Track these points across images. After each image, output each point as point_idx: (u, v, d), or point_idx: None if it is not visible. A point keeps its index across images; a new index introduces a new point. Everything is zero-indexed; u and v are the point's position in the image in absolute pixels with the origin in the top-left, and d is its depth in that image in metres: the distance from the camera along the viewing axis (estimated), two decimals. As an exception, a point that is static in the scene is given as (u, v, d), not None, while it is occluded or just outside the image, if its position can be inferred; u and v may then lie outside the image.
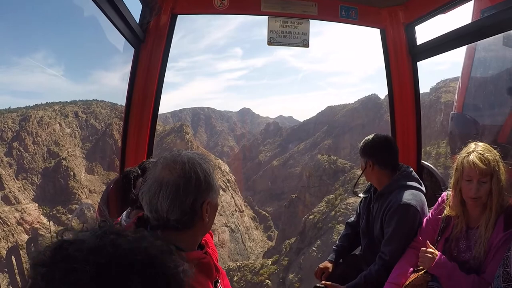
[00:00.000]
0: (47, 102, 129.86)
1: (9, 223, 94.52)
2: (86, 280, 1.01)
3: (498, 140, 5.82)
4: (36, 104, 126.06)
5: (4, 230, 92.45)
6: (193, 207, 1.96)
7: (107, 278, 1.02)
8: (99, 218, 2.50)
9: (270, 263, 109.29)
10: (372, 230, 3.92)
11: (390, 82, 5.15)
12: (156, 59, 4.62)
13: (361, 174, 4.06)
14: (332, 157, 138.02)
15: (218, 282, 2.16)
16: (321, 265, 4.33)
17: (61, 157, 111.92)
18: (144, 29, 4.49)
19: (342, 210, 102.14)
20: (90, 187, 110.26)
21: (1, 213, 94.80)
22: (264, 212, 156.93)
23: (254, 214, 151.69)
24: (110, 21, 3.54)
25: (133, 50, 4.53)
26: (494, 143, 5.59)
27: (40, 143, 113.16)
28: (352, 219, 4.57)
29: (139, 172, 3.48)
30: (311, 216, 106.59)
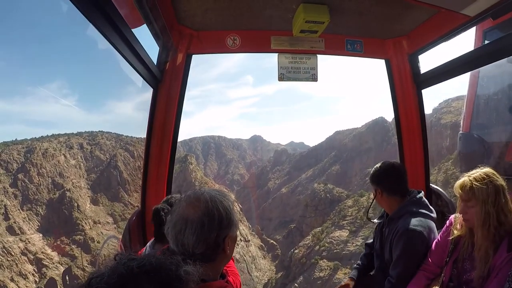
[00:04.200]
0: (52, 134, 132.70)
1: (13, 253, 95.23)
2: None
3: (506, 159, 5.96)
4: (41, 136, 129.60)
5: (8, 260, 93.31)
6: (216, 241, 2.10)
7: None
8: (119, 251, 2.85)
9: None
10: (384, 252, 4.03)
11: (396, 109, 5.35)
12: (174, 97, 4.87)
13: (372, 201, 4.23)
14: (328, 185, 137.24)
15: None
16: (343, 283, 4.45)
17: (66, 188, 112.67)
18: (161, 69, 4.72)
19: (326, 245, 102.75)
20: (95, 218, 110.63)
21: (6, 243, 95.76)
22: (272, 241, 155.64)
23: (261, 243, 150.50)
24: (129, 63, 3.73)
25: (149, 88, 4.77)
26: (502, 161, 5.72)
27: (45, 174, 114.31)
28: (371, 240, 4.71)
29: (169, 208, 3.61)
30: (297, 250, 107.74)
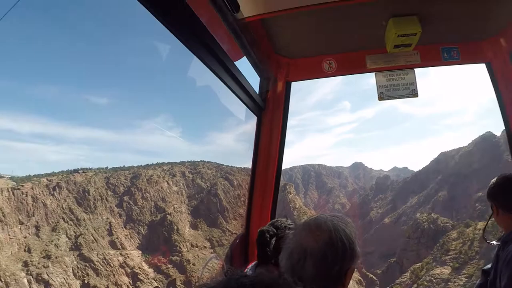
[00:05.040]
0: (157, 162, 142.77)
1: (112, 265, 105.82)
2: None
3: None
4: (147, 164, 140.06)
5: (107, 270, 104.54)
6: (338, 275, 1.93)
7: None
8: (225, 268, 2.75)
9: None
10: (495, 282, 3.48)
11: (505, 117, 4.87)
12: (277, 124, 4.95)
13: (489, 219, 3.83)
14: (432, 215, 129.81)
15: None
16: None
17: (167, 212, 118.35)
18: (263, 98, 4.86)
19: (425, 283, 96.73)
20: (193, 241, 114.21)
21: (107, 255, 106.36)
22: (371, 275, 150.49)
23: (360, 277, 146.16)
24: (234, 94, 3.88)
25: (253, 117, 4.90)
26: None
27: (148, 198, 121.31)
28: (489, 265, 3.94)
29: (275, 231, 3.58)
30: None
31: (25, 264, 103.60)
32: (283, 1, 3.74)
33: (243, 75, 3.81)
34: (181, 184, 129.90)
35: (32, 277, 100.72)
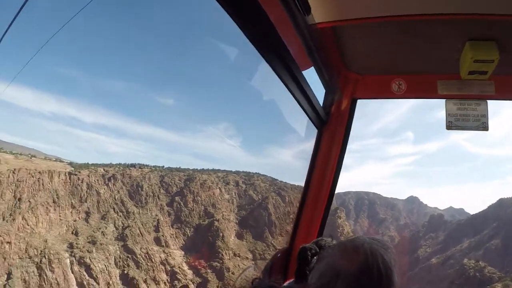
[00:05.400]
0: (213, 168, 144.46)
1: (153, 260, 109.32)
2: None
3: None
4: (202, 168, 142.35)
5: (147, 264, 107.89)
6: None
7: None
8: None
9: None
10: None
11: None
12: (338, 141, 4.76)
13: None
14: (480, 263, 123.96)
15: None
16: None
17: (215, 218, 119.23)
18: (327, 111, 4.69)
19: None
20: (236, 250, 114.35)
21: (150, 250, 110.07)
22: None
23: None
24: (298, 103, 3.83)
25: (313, 131, 4.77)
26: None
27: (199, 202, 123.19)
28: None
29: (317, 250, 3.43)
30: None
31: (70, 246, 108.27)
32: (359, 9, 3.57)
33: (309, 85, 3.74)
34: (233, 193, 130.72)
35: (75, 259, 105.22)
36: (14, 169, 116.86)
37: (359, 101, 4.84)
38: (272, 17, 2.63)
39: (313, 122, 4.56)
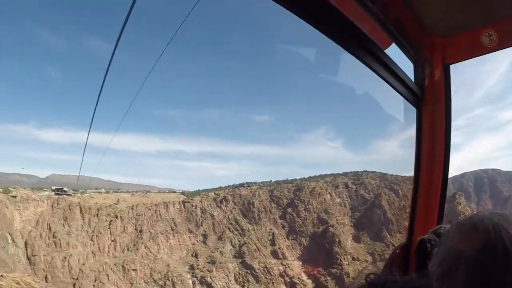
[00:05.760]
0: (319, 174, 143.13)
1: (272, 273, 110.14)
2: None
3: None
4: (309, 176, 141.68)
5: (266, 278, 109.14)
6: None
7: None
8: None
9: None
10: None
11: None
12: (439, 115, 4.44)
13: None
14: None
15: None
16: None
17: (329, 224, 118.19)
18: (420, 86, 4.39)
19: None
20: (354, 254, 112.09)
21: (268, 264, 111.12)
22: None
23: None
24: (389, 85, 3.66)
25: (412, 112, 4.53)
26: None
27: (311, 210, 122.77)
28: None
29: (437, 239, 3.17)
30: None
31: (191, 268, 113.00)
32: None
33: (395, 64, 3.59)
34: (344, 195, 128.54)
35: (197, 279, 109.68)
36: (133, 205, 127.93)
37: (452, 68, 4.47)
38: (340, 8, 2.57)
39: (409, 101, 4.36)
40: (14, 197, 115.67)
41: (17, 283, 70.55)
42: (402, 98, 4.17)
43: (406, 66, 4.14)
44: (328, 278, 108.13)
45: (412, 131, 4.63)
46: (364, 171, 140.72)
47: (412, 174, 4.59)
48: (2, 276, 71.13)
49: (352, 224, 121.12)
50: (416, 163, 4.53)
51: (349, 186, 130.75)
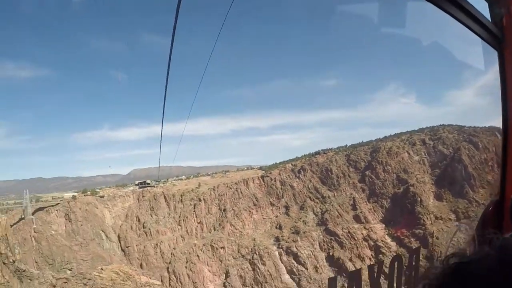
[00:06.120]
0: (395, 133, 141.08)
1: (356, 238, 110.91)
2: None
3: None
4: (385, 136, 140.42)
5: (350, 243, 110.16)
6: None
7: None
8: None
9: None
10: None
11: None
12: None
13: None
14: None
15: None
16: None
17: (409, 184, 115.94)
18: (499, 26, 4.01)
19: None
20: (437, 213, 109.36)
21: (351, 229, 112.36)
22: None
23: None
24: (465, 27, 3.51)
25: (491, 56, 4.22)
26: None
27: (390, 171, 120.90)
28: None
29: None
30: None
31: (277, 239, 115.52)
32: None
33: (469, 3, 3.41)
34: (422, 152, 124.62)
35: (283, 250, 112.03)
36: (214, 187, 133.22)
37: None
38: None
39: (489, 43, 4.08)
40: (102, 197, 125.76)
41: (116, 273, 75.19)
42: (480, 40, 3.92)
43: (480, 4, 3.84)
44: (412, 239, 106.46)
45: (492, 76, 4.40)
46: (440, 125, 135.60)
47: (494, 123, 4.25)
48: (102, 269, 76.16)
49: (433, 182, 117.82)
50: (504, 110, 4.22)
51: (427, 142, 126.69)
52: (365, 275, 6.05)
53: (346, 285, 6.73)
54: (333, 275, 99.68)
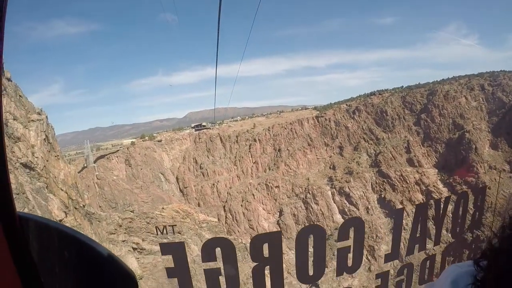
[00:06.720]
0: (453, 76, 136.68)
1: (408, 181, 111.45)
2: None
3: None
4: (442, 79, 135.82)
5: (402, 186, 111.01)
6: None
7: None
8: None
9: None
10: None
11: None
12: None
13: None
14: None
15: None
16: None
17: (465, 130, 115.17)
18: None
19: None
20: (491, 162, 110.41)
21: (404, 172, 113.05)
22: None
23: None
24: None
25: None
26: None
27: (446, 115, 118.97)
28: None
29: None
30: None
31: (330, 180, 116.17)
32: None
33: None
34: (480, 98, 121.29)
35: (335, 190, 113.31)
36: (268, 127, 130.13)
37: None
38: None
39: None
40: (159, 141, 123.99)
41: (176, 212, 76.74)
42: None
43: None
44: (463, 186, 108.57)
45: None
46: (501, 70, 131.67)
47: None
48: (163, 208, 77.61)
49: (489, 130, 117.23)
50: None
51: (485, 88, 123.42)
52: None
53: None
54: (383, 217, 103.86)
